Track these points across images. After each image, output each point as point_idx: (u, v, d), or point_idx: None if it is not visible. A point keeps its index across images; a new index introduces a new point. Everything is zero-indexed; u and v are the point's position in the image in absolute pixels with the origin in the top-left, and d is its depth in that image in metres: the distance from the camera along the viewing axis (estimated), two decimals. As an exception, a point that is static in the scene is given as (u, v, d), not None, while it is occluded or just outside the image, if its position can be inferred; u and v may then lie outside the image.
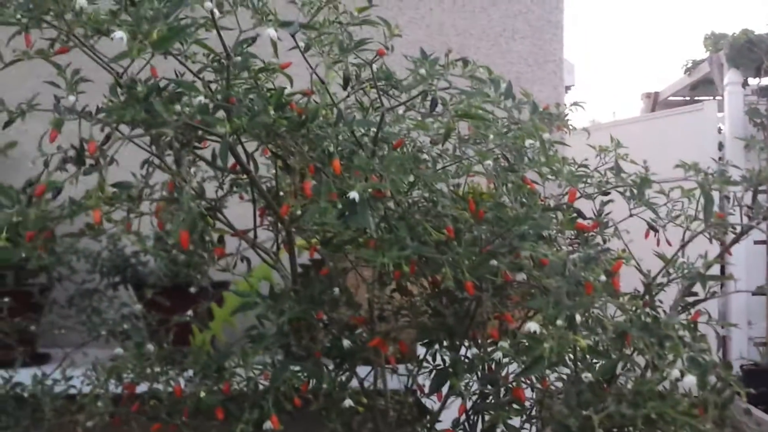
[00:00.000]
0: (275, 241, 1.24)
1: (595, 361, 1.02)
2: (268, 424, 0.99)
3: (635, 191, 1.22)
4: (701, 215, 1.29)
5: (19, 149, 2.30)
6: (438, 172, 1.03)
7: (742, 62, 5.89)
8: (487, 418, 1.12)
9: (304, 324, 1.18)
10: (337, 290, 1.19)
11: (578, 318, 0.79)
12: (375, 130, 1.05)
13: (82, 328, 1.74)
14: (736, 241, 1.29)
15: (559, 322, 0.78)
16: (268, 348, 1.07)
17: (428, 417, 1.21)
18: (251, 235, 1.23)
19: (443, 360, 1.21)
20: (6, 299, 1.55)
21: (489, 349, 1.06)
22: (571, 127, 1.49)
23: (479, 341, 1.13)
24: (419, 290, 1.24)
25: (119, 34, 0.83)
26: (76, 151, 0.91)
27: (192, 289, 1.38)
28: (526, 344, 0.81)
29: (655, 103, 7.36)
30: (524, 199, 1.06)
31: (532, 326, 0.81)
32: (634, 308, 0.87)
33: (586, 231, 1.01)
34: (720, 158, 5.15)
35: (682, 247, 1.16)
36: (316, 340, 1.19)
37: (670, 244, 1.37)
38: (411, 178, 1.11)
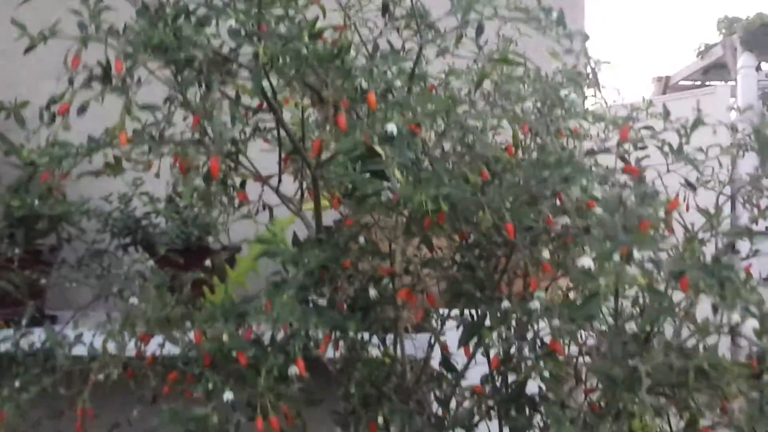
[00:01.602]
0: (299, 188, 1.19)
1: (634, 312, 0.98)
2: (293, 370, 0.95)
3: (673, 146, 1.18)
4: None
5: (30, 110, 2.25)
6: (476, 112, 0.99)
7: (757, 46, 5.82)
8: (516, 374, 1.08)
9: (327, 274, 1.14)
10: (362, 239, 1.14)
11: (635, 254, 0.75)
12: (411, 66, 1.00)
13: (93, 283, 1.70)
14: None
15: (615, 257, 0.73)
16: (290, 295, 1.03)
17: (454, 373, 1.17)
18: (273, 182, 1.19)
19: (471, 315, 1.16)
20: (17, 250, 1.50)
21: (523, 300, 1.01)
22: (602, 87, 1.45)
23: (511, 294, 1.08)
24: (447, 243, 1.19)
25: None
26: (102, 68, 0.86)
27: (211, 240, 1.33)
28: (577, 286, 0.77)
29: (666, 86, 7.28)
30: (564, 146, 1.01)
31: (585, 262, 0.76)
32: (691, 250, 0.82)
33: (632, 173, 0.96)
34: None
35: (730, 198, 1.11)
36: (340, 290, 1.14)
37: (699, 209, 1.33)
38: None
